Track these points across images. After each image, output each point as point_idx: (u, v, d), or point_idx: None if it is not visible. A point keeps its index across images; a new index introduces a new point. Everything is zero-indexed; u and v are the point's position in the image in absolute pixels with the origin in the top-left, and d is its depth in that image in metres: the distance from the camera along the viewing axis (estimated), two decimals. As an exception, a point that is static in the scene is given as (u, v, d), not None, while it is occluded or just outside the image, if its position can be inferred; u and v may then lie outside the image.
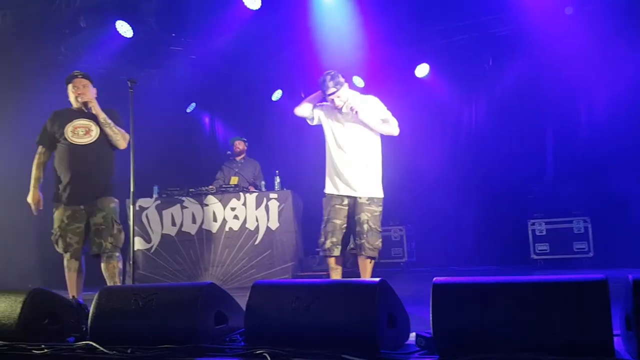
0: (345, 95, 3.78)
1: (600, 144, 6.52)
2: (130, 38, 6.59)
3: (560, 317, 1.67)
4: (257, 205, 5.80)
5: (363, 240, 3.70)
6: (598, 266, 5.84)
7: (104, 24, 6.41)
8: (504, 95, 7.29)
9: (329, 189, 3.87)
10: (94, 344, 2.06)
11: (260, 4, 6.02)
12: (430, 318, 1.80)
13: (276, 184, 5.93)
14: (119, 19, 6.40)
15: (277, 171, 6.01)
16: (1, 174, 6.17)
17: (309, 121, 4.01)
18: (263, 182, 6.16)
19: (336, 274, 3.85)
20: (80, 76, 3.83)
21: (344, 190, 3.80)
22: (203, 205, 5.91)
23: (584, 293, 1.68)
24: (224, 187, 6.02)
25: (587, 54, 6.39)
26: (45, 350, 2.06)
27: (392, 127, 3.85)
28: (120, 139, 3.78)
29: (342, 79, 3.77)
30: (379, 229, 3.78)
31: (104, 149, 3.78)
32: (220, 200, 5.89)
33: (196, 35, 7.13)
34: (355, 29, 6.64)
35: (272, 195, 5.82)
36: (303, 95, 8.37)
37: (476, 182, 7.27)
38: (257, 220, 5.79)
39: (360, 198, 3.76)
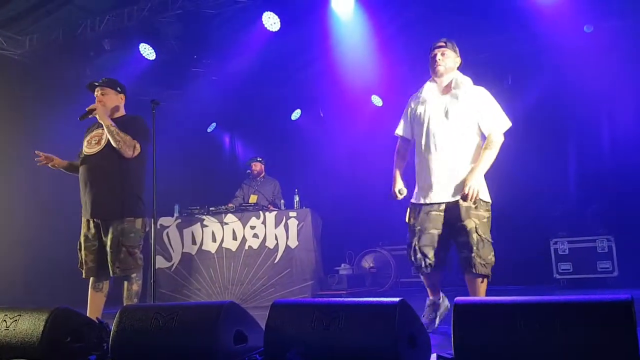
0: (451, 60, 3.30)
1: (624, 162, 6.42)
2: (152, 60, 6.74)
3: (584, 338, 1.63)
4: (277, 224, 5.82)
5: (473, 254, 2.99)
6: (623, 286, 5.69)
7: (127, 46, 6.59)
8: (525, 113, 7.20)
9: (418, 197, 3.23)
10: (115, 362, 2.08)
11: (279, 26, 6.12)
12: (452, 338, 1.78)
13: (295, 203, 5.95)
14: (142, 42, 6.57)
15: (296, 189, 6.04)
16: (36, 193, 6.35)
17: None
18: (282, 201, 6.17)
19: (436, 293, 3.31)
20: (98, 84, 3.63)
21: (440, 197, 3.15)
22: (223, 223, 5.94)
23: (608, 313, 1.65)
24: (244, 206, 6.05)
25: (609, 71, 6.33)
26: (68, 368, 2.08)
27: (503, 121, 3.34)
28: (124, 146, 3.43)
29: (457, 49, 3.37)
30: (490, 239, 3.08)
31: (111, 159, 3.46)
32: (240, 219, 5.92)
33: (217, 57, 7.25)
34: (373, 48, 6.68)
35: (292, 213, 5.83)
36: (322, 115, 8.52)
37: (497, 200, 7.16)
38: (276, 239, 5.79)
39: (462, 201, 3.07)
